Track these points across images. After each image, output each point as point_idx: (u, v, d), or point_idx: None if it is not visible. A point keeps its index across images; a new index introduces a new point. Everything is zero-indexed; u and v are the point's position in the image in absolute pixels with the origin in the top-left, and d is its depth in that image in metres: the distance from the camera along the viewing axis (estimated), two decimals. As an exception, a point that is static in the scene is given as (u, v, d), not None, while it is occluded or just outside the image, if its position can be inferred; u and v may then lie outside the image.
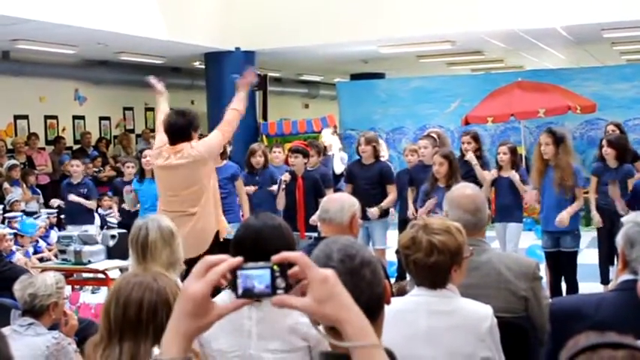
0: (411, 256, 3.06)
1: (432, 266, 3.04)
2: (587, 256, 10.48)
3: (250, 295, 1.50)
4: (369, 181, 8.59)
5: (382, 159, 9.21)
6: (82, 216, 10.28)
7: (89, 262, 7.34)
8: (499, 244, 8.72)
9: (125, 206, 9.39)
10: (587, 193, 13.60)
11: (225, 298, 3.40)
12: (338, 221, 3.98)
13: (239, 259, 1.52)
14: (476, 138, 8.95)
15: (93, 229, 10.42)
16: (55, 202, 11.07)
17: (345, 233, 3.97)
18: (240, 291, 1.50)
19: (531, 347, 3.54)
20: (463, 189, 3.93)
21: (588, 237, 11.70)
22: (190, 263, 3.33)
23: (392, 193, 8.62)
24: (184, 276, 3.79)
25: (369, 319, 1.98)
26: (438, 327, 3.01)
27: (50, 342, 4.13)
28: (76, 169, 10.49)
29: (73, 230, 10.07)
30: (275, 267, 1.49)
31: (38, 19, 10.36)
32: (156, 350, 1.55)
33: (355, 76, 20.59)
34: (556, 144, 7.32)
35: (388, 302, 2.05)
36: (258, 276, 1.49)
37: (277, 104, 18.16)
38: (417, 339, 3.00)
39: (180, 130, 6.07)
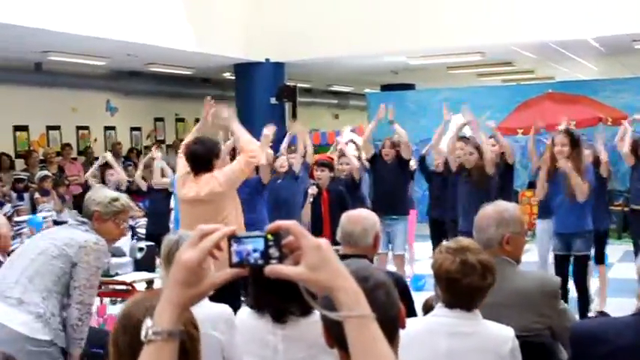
0: (462, 280, 2.96)
1: (485, 288, 3.00)
2: (619, 270, 10.37)
3: (244, 265, 1.47)
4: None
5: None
6: None
7: (116, 274, 7.38)
8: (539, 247, 8.65)
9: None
10: (618, 206, 13.53)
11: (245, 315, 3.41)
12: (362, 244, 3.95)
13: (233, 227, 1.50)
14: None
15: (126, 238, 10.51)
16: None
17: (369, 253, 3.96)
18: (233, 260, 1.48)
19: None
20: (487, 207, 3.87)
21: (620, 251, 11.58)
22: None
23: None
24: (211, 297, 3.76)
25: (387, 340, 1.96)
26: (458, 349, 2.97)
27: (92, 240, 4.35)
28: (110, 178, 10.72)
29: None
30: (269, 236, 1.46)
31: (69, 31, 10.47)
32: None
33: (385, 87, 20.55)
34: (572, 146, 7.21)
35: (403, 326, 2.02)
36: (251, 245, 1.47)
37: (307, 115, 18.18)
38: (439, 360, 2.98)
39: (200, 159, 6.02)
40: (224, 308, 3.60)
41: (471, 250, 2.99)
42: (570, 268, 7.47)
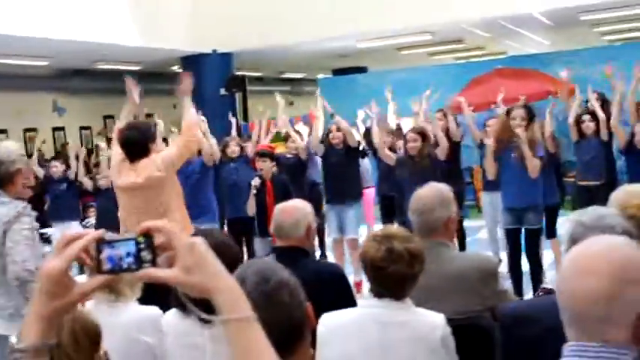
0: (387, 268, 2.87)
1: (413, 277, 2.91)
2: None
3: (115, 271, 1.38)
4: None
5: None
6: (67, 211, 10.22)
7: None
8: (487, 222, 9.00)
9: None
10: (572, 177, 13.58)
11: (171, 316, 3.29)
12: (294, 236, 3.84)
13: (101, 231, 1.41)
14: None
15: (77, 226, 10.31)
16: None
17: (302, 244, 3.85)
18: (105, 266, 1.38)
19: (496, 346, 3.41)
20: (422, 189, 3.77)
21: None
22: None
23: None
24: (143, 300, 3.62)
25: (292, 343, 1.87)
26: (390, 338, 2.88)
27: (12, 212, 4.17)
28: (54, 169, 10.45)
29: (57, 228, 9.98)
30: (140, 239, 1.38)
31: (9, 32, 10.24)
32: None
33: (338, 71, 20.45)
34: (529, 120, 7.21)
35: (312, 324, 1.94)
36: (122, 249, 1.38)
37: (261, 104, 17.99)
38: (370, 352, 2.88)
39: (136, 144, 5.74)
40: (152, 310, 3.46)
41: (397, 238, 2.90)
42: (522, 242, 7.43)
